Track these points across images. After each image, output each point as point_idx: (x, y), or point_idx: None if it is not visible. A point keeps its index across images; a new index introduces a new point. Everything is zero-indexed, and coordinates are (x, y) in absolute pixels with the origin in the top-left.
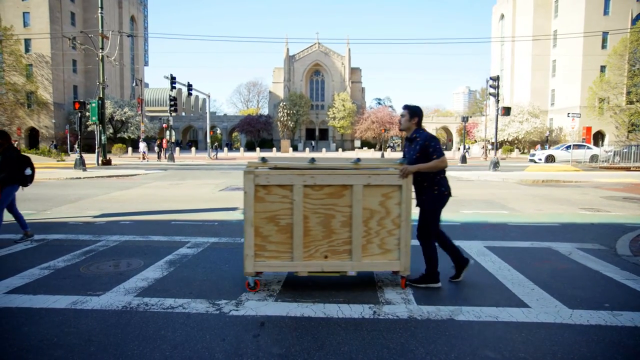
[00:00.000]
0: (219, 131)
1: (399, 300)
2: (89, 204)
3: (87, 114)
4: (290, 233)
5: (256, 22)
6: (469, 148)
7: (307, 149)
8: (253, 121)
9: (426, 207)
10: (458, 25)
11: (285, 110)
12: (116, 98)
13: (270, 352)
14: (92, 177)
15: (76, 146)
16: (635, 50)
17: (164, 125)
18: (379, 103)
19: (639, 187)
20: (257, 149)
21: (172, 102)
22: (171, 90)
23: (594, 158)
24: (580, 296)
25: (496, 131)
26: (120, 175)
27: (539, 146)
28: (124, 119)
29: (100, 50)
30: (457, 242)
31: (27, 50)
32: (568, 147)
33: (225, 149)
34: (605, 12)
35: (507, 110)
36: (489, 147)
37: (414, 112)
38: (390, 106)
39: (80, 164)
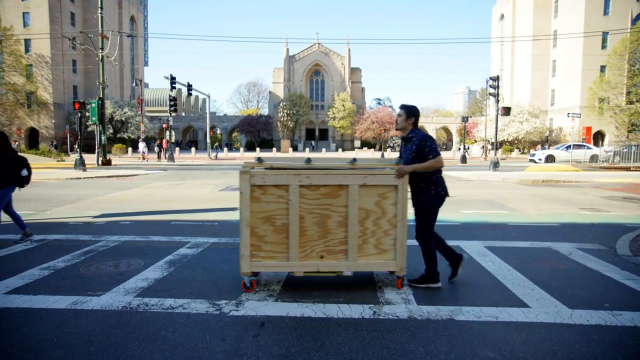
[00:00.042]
0: (218, 131)
1: (399, 301)
2: (89, 204)
3: (87, 114)
4: (286, 233)
5: (256, 22)
6: (468, 148)
7: (307, 149)
8: (253, 121)
9: (423, 206)
10: (458, 25)
11: (285, 111)
12: (116, 98)
13: (270, 352)
14: (92, 178)
15: (76, 146)
16: (635, 50)
17: (164, 125)
18: (379, 103)
19: (639, 187)
20: (257, 149)
21: (172, 102)
22: (171, 90)
23: (593, 158)
24: (580, 296)
25: (496, 131)
26: (120, 176)
27: (539, 146)
28: (123, 119)
29: (100, 51)
30: (457, 242)
31: (27, 50)
32: (568, 147)
33: (225, 149)
34: (605, 12)
35: (507, 110)
36: (489, 147)
37: (410, 112)
38: (390, 106)
39: (80, 164)
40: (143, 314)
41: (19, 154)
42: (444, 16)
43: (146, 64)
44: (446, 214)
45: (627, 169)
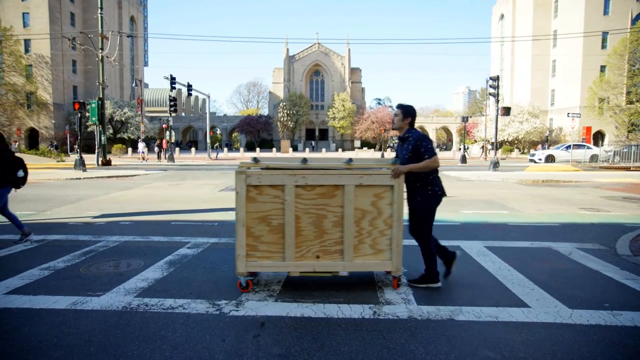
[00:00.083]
0: (218, 131)
1: (399, 301)
2: (89, 204)
3: (87, 114)
4: (282, 233)
5: (256, 22)
6: (467, 148)
7: (307, 149)
8: (253, 121)
9: (421, 207)
10: (458, 25)
11: (285, 111)
12: (116, 98)
13: (270, 353)
14: (92, 178)
15: (76, 147)
16: (635, 50)
17: (164, 125)
18: (379, 103)
19: (639, 187)
20: (257, 149)
21: (172, 103)
22: (171, 90)
23: (593, 158)
24: (580, 296)
25: (496, 131)
26: (120, 176)
27: (540, 146)
28: (123, 119)
29: (100, 51)
30: (457, 242)
31: (26, 50)
32: (568, 147)
33: (225, 149)
34: (605, 12)
35: (507, 110)
36: (489, 147)
37: (407, 112)
38: (390, 106)
39: (80, 164)
40: (143, 314)
41: (17, 154)
42: (444, 16)
43: (146, 64)
44: (446, 214)
45: (627, 168)
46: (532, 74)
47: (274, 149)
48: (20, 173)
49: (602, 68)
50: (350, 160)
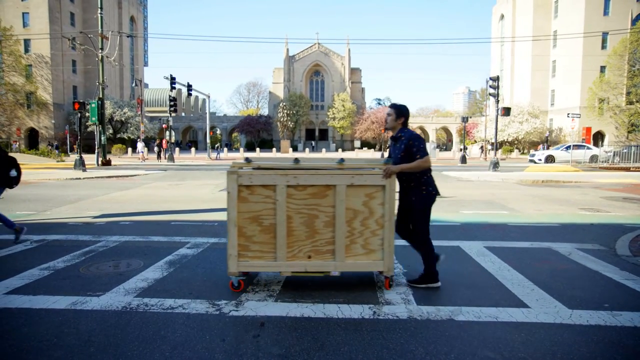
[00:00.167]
0: (218, 131)
1: (399, 301)
2: (89, 204)
3: (87, 114)
4: (274, 233)
5: (256, 22)
6: (466, 148)
7: (307, 150)
8: (253, 121)
9: (416, 207)
10: (458, 25)
11: (285, 111)
12: (116, 98)
13: (270, 353)
14: (92, 178)
15: (76, 147)
16: (635, 51)
17: (164, 125)
18: (379, 103)
19: (639, 187)
20: (257, 149)
21: (172, 103)
22: (171, 90)
23: (593, 158)
24: (580, 296)
25: (496, 131)
26: (120, 176)
27: (541, 146)
28: (123, 119)
29: (100, 51)
30: (457, 243)
31: (26, 50)
32: (568, 148)
33: (225, 149)
34: (605, 13)
35: (507, 111)
36: (489, 147)
37: (400, 112)
38: None
39: (80, 164)
40: (143, 314)
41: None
42: (443, 16)
43: (146, 64)
44: (446, 214)
45: (627, 169)
46: (532, 74)
47: (274, 149)
48: (13, 172)
49: (602, 68)
50: (342, 160)
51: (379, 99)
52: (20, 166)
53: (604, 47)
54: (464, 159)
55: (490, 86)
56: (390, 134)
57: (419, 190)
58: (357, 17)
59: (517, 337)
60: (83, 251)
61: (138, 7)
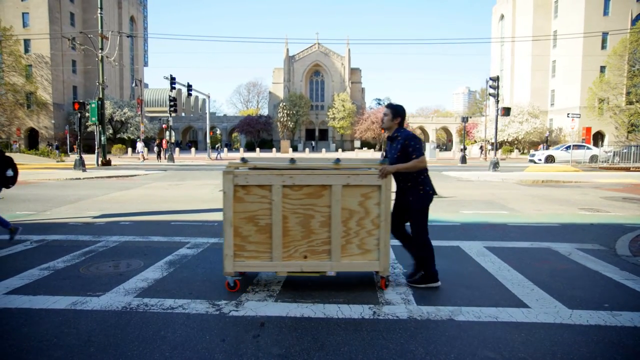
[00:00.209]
0: (218, 132)
1: (399, 301)
2: (89, 204)
3: (87, 114)
4: (270, 233)
5: (256, 22)
6: (466, 148)
7: (307, 150)
8: (253, 122)
9: (414, 207)
10: (458, 25)
11: (285, 111)
12: (116, 98)
13: (270, 353)
14: (92, 178)
15: (76, 147)
16: (635, 51)
17: (164, 125)
18: (379, 103)
19: (639, 187)
20: (257, 149)
21: (172, 103)
22: (171, 90)
23: (593, 158)
24: (580, 296)
25: (496, 131)
26: (120, 176)
27: (541, 146)
28: (123, 119)
29: (100, 51)
30: (457, 243)
31: (26, 50)
32: (568, 148)
33: (225, 149)
34: (605, 13)
35: (506, 111)
36: (489, 147)
37: (396, 112)
38: None
39: (80, 164)
40: (143, 314)
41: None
42: (443, 16)
43: (146, 64)
44: (446, 214)
45: (627, 169)
46: (532, 74)
47: (274, 149)
48: (10, 172)
49: (602, 68)
50: (338, 160)
51: (379, 99)
52: (17, 166)
53: (603, 47)
54: (464, 159)
55: (490, 86)
56: (387, 133)
57: (416, 190)
58: (357, 17)
59: (517, 337)
60: (83, 251)
61: (138, 7)
